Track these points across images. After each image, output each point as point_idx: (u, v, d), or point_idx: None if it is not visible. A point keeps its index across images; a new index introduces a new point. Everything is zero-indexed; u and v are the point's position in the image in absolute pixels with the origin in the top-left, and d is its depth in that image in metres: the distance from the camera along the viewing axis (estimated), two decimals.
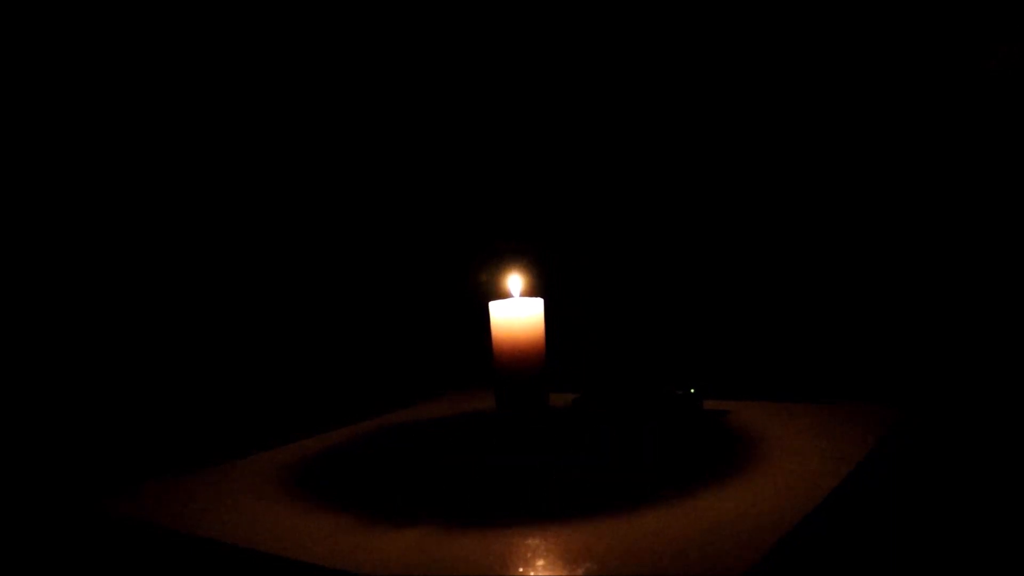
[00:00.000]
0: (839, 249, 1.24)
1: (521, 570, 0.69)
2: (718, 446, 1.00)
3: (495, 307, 0.98)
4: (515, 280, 1.02)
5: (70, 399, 1.16)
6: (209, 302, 1.33)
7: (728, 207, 1.32)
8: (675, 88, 1.34)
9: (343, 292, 1.52)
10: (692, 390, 1.09)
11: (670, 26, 1.33)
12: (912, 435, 1.10)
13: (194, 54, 1.31)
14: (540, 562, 0.71)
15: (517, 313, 0.97)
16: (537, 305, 0.99)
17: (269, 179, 1.43)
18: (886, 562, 1.02)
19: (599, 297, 1.44)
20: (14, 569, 1.00)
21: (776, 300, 1.29)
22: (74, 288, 1.17)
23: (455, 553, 0.72)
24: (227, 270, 1.36)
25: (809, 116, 1.24)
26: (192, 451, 1.14)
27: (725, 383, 1.28)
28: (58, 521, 0.94)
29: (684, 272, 1.37)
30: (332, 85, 1.51)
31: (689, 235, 1.36)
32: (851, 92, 1.21)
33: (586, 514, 0.79)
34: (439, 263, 1.57)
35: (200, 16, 1.31)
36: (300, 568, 0.73)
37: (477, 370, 1.15)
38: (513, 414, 0.97)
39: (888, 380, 1.20)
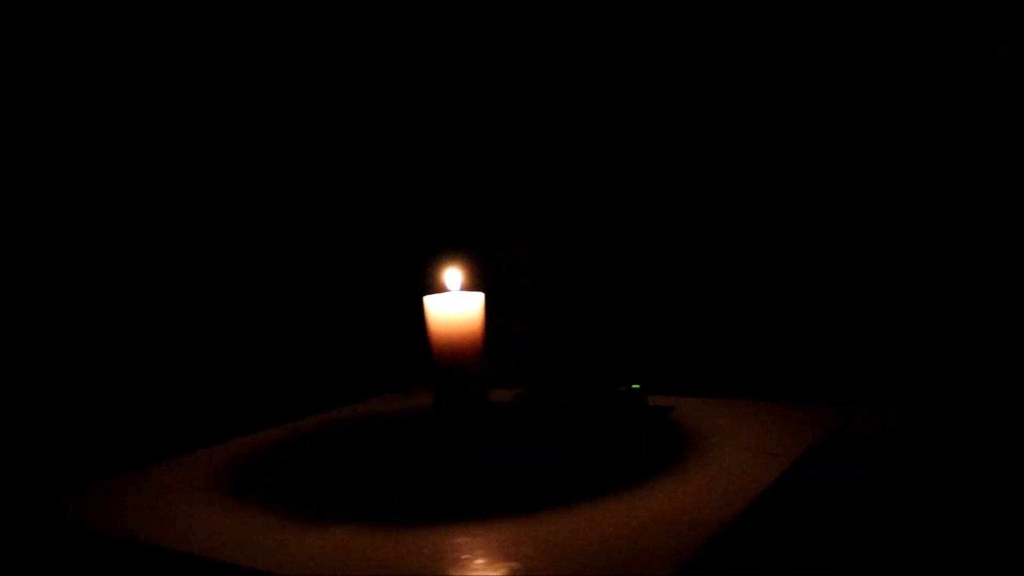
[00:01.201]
0: (829, 249, 1.24)
1: (451, 571, 0.69)
2: (659, 442, 0.99)
3: (431, 301, 0.96)
4: (453, 274, 1.00)
5: None
6: (139, 301, 1.28)
7: (679, 200, 1.32)
8: (650, 87, 1.34)
9: (284, 289, 1.48)
10: (636, 386, 1.08)
11: (665, 19, 1.33)
12: (912, 435, 1.10)
13: (144, 51, 1.28)
14: (467, 562, 0.70)
15: (454, 308, 0.95)
16: (476, 299, 0.96)
17: (197, 171, 1.37)
18: (857, 559, 1.02)
19: (545, 293, 1.43)
20: None
21: (738, 295, 1.29)
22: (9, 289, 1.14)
23: (381, 553, 0.72)
24: (164, 268, 1.31)
25: (801, 116, 1.24)
26: (124, 452, 1.11)
27: (686, 380, 1.27)
28: None
29: (635, 267, 1.36)
30: (277, 75, 1.47)
31: (638, 230, 1.36)
32: (850, 92, 1.21)
33: (518, 512, 0.79)
34: (386, 260, 1.55)
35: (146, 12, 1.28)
36: (219, 568, 0.72)
37: (423, 367, 1.15)
38: (451, 411, 0.96)
39: (886, 380, 1.20)
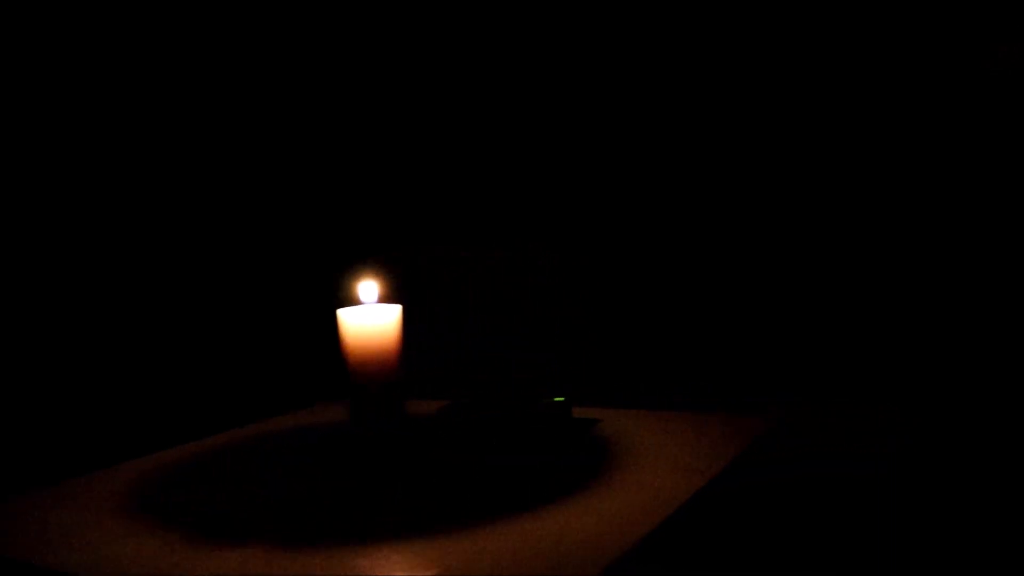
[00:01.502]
0: (835, 250, 1.24)
1: None
2: (579, 457, 0.97)
3: (345, 314, 0.94)
4: (368, 286, 0.98)
5: None
6: (40, 313, 1.23)
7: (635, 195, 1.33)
8: (597, 78, 1.34)
9: (201, 299, 1.43)
10: (560, 399, 1.06)
11: (665, 14, 1.33)
12: (912, 435, 1.10)
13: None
14: None
15: (369, 320, 0.93)
16: (392, 312, 0.95)
17: (98, 177, 1.31)
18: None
19: (468, 303, 1.43)
20: None
21: (733, 295, 1.29)
22: None
23: None
24: (69, 278, 1.26)
25: (799, 116, 1.24)
26: (27, 472, 1.07)
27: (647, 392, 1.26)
28: None
29: (568, 275, 1.36)
30: (185, 72, 1.42)
31: (570, 237, 1.36)
32: (850, 92, 1.21)
33: (427, 532, 0.77)
34: (297, 271, 1.51)
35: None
36: None
37: (336, 381, 1.08)
38: (367, 426, 0.94)
39: (885, 379, 1.20)
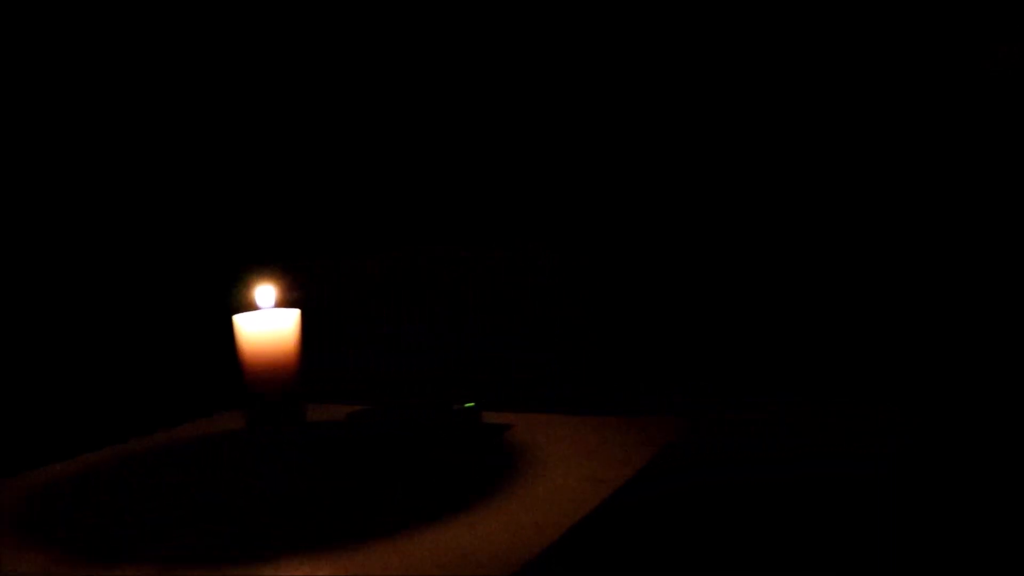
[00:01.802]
0: (839, 249, 1.24)
1: None
2: (486, 464, 0.96)
3: (241, 320, 0.93)
4: (265, 291, 0.97)
5: None
6: None
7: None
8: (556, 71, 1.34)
9: (85, 303, 1.36)
10: (471, 404, 1.06)
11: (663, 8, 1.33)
12: (912, 435, 1.10)
13: None
14: None
15: (266, 326, 0.92)
16: (290, 317, 0.94)
17: None
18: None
19: (468, 303, 1.42)
20: None
21: (737, 289, 1.29)
22: None
23: None
24: None
25: (799, 116, 1.24)
26: None
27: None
28: None
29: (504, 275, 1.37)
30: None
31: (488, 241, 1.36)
32: (850, 92, 1.21)
33: (328, 543, 0.75)
34: (203, 276, 1.47)
35: None
36: None
37: (231, 388, 1.04)
38: (263, 434, 0.92)
39: (885, 379, 1.20)
